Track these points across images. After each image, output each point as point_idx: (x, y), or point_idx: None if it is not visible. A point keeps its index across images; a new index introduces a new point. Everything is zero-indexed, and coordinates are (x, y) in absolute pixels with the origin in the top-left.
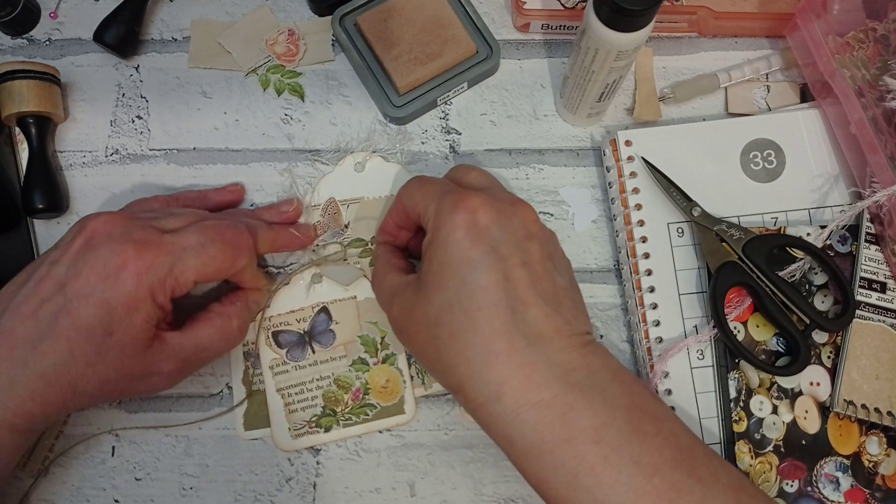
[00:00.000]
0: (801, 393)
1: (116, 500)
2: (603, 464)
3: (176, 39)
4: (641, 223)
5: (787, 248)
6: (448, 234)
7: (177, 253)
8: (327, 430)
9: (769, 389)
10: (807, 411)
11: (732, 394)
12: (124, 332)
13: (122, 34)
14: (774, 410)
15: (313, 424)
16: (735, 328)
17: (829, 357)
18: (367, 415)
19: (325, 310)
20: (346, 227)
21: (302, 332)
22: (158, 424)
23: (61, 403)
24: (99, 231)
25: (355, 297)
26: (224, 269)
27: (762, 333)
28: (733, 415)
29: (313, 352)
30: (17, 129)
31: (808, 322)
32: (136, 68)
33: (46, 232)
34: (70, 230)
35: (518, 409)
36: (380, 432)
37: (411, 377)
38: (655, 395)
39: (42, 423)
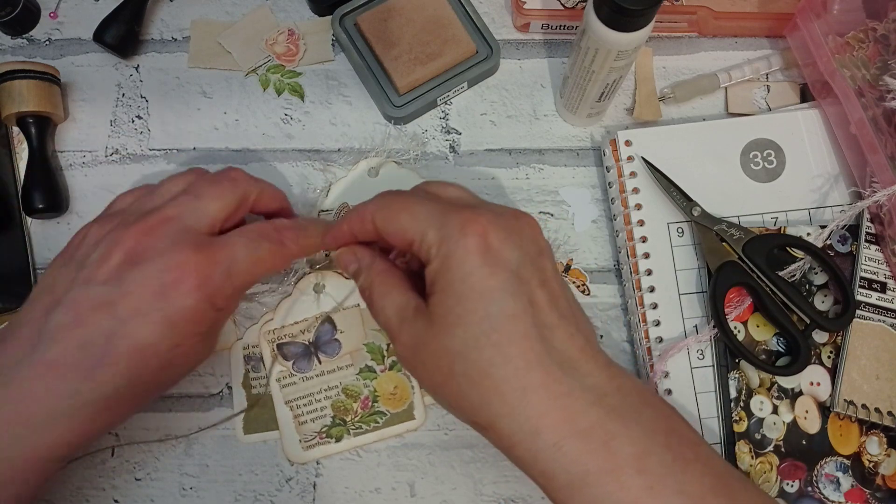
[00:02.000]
0: (801, 393)
1: (116, 500)
2: (648, 495)
3: (176, 39)
4: (641, 223)
5: (787, 248)
6: (462, 263)
7: (230, 255)
8: (338, 439)
9: (769, 389)
10: (807, 411)
11: (733, 394)
12: (191, 344)
13: (122, 34)
14: (775, 410)
15: (324, 435)
16: (735, 328)
17: (829, 357)
18: (378, 422)
19: (329, 319)
20: None
21: (307, 342)
22: (163, 437)
23: (110, 424)
24: (142, 245)
25: (359, 304)
26: (276, 265)
27: (762, 333)
28: (734, 415)
29: (319, 362)
30: (17, 128)
31: (808, 322)
32: (136, 68)
33: (43, 232)
34: (87, 243)
35: (559, 442)
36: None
37: None
38: (682, 417)
39: (81, 450)
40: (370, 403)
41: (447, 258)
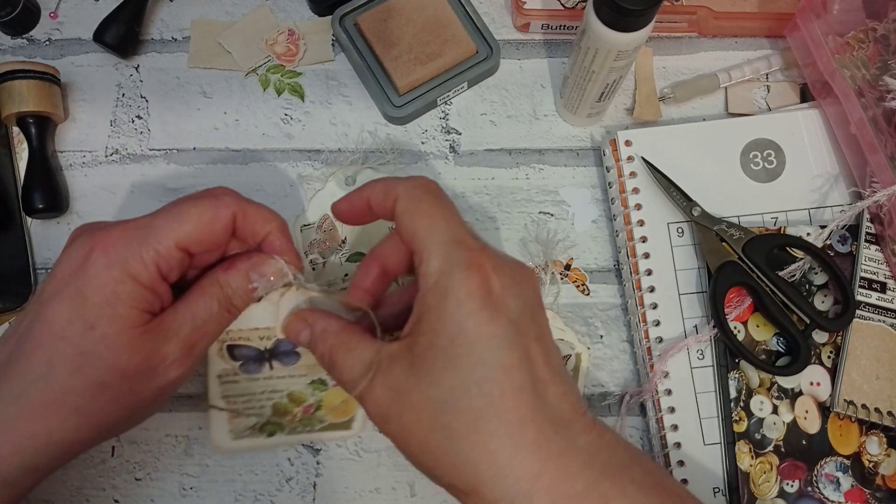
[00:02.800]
0: (801, 393)
1: (116, 500)
2: None
3: (176, 39)
4: (641, 223)
5: (787, 248)
6: (460, 303)
7: (145, 223)
8: (270, 434)
9: (769, 389)
10: (807, 411)
11: (733, 394)
12: (108, 324)
13: (122, 34)
14: (775, 410)
15: (257, 430)
16: (735, 328)
17: (829, 357)
18: (314, 427)
19: None
20: (343, 242)
21: (262, 349)
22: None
23: (50, 433)
24: (74, 233)
25: None
26: (208, 224)
27: (762, 333)
28: (733, 415)
29: (271, 368)
30: (17, 128)
31: (808, 322)
32: (136, 68)
33: (44, 232)
34: None
35: (562, 498)
36: (379, 432)
37: None
38: (665, 470)
39: (35, 463)
40: (313, 411)
41: (445, 294)
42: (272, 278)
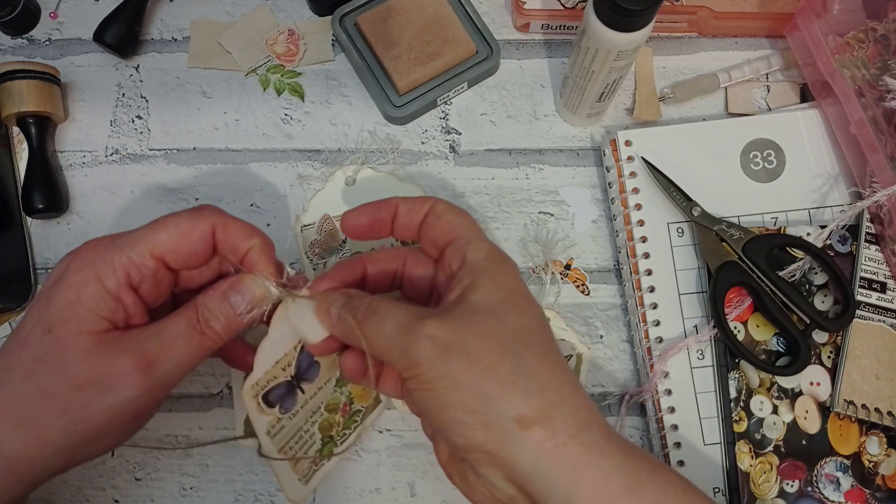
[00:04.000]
0: (801, 393)
1: (116, 500)
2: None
3: (176, 39)
4: (641, 223)
5: (787, 248)
6: (513, 269)
7: (127, 232)
8: (329, 455)
9: (769, 389)
10: (807, 411)
11: (733, 394)
12: (65, 326)
13: (122, 34)
14: (775, 410)
15: (318, 461)
16: (735, 328)
17: (829, 357)
18: (357, 420)
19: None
20: (344, 242)
21: (289, 378)
22: (162, 446)
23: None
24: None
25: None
26: (185, 233)
27: (762, 333)
28: (733, 415)
29: (303, 392)
30: (17, 128)
31: (808, 322)
32: (136, 68)
33: (44, 232)
34: None
35: (609, 437)
36: (379, 432)
37: None
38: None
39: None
40: (349, 407)
41: (500, 261)
42: (255, 295)
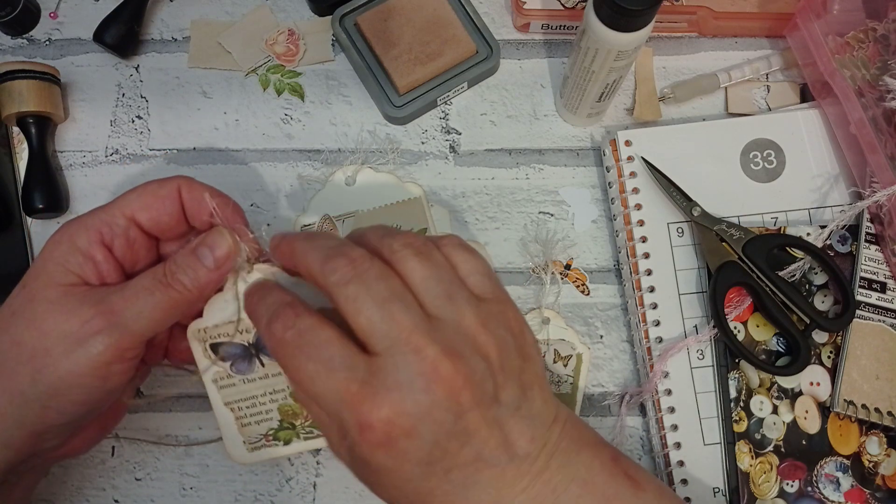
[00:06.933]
0: (801, 393)
1: (116, 500)
2: None
3: (176, 39)
4: (641, 223)
5: (787, 248)
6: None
7: (108, 203)
8: (287, 442)
9: (769, 389)
10: (807, 411)
11: (732, 394)
12: (35, 279)
13: (122, 34)
14: (775, 410)
15: (271, 437)
16: (735, 328)
17: (829, 357)
18: None
19: None
20: None
21: (247, 343)
22: (160, 441)
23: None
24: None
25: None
26: (152, 192)
27: (762, 333)
28: (733, 415)
29: (262, 364)
30: (17, 128)
31: (808, 322)
32: (136, 68)
33: (44, 232)
34: None
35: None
36: None
37: None
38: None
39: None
40: None
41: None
42: (223, 249)
